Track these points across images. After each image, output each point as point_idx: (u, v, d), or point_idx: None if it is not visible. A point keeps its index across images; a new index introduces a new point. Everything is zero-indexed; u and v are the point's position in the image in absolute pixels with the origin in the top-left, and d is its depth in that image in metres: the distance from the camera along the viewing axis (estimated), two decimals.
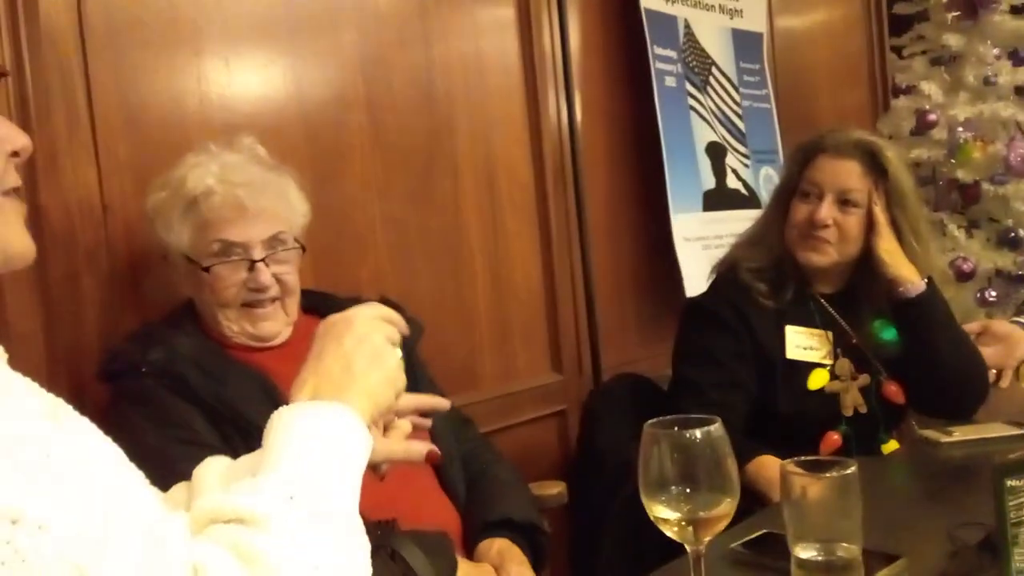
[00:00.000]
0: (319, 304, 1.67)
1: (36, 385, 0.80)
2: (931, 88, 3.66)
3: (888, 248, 1.83)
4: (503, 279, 2.43)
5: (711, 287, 1.99)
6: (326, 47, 2.06)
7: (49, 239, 1.58)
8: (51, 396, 0.79)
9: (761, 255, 1.93)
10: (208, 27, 1.83)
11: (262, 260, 1.49)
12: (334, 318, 0.98)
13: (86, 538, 0.61)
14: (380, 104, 2.15)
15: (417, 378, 1.64)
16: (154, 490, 0.91)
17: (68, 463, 0.66)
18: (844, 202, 1.85)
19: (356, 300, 1.71)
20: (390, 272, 2.14)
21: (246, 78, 1.90)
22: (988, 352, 1.99)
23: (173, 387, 1.39)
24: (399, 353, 0.97)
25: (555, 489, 1.91)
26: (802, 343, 1.86)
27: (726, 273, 1.96)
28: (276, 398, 1.42)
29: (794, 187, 1.92)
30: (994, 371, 2.04)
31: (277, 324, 1.54)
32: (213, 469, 0.94)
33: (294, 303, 1.57)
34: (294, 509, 0.74)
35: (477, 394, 2.29)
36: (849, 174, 1.85)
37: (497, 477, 1.62)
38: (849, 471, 0.97)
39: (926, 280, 1.82)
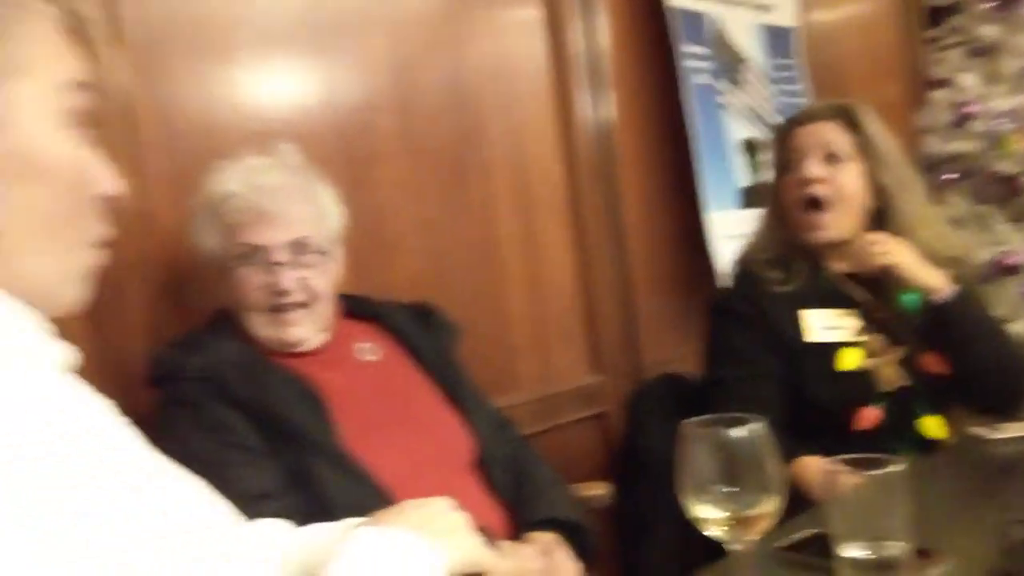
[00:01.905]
0: (356, 307, 1.67)
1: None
2: (968, 80, 3.61)
3: (904, 261, 1.78)
4: (538, 280, 2.42)
5: (730, 284, 2.00)
6: (356, 52, 2.06)
7: None
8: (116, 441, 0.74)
9: (770, 244, 1.93)
10: (238, 34, 1.85)
11: (284, 263, 1.49)
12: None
13: None
14: (410, 108, 2.16)
15: (456, 381, 1.63)
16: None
17: (100, 537, 0.61)
18: (830, 157, 1.85)
19: (392, 303, 1.73)
20: (424, 276, 2.15)
21: (277, 85, 1.91)
22: None
23: (215, 392, 1.40)
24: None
25: (598, 490, 1.90)
26: (825, 324, 1.83)
27: (741, 268, 1.97)
28: (318, 403, 1.42)
29: (782, 166, 1.93)
30: None
31: (305, 330, 1.53)
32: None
33: (324, 309, 1.55)
34: None
35: (516, 397, 2.28)
36: (827, 131, 1.86)
37: (539, 479, 1.62)
38: (895, 468, 0.95)
39: (954, 281, 1.78)
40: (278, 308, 1.50)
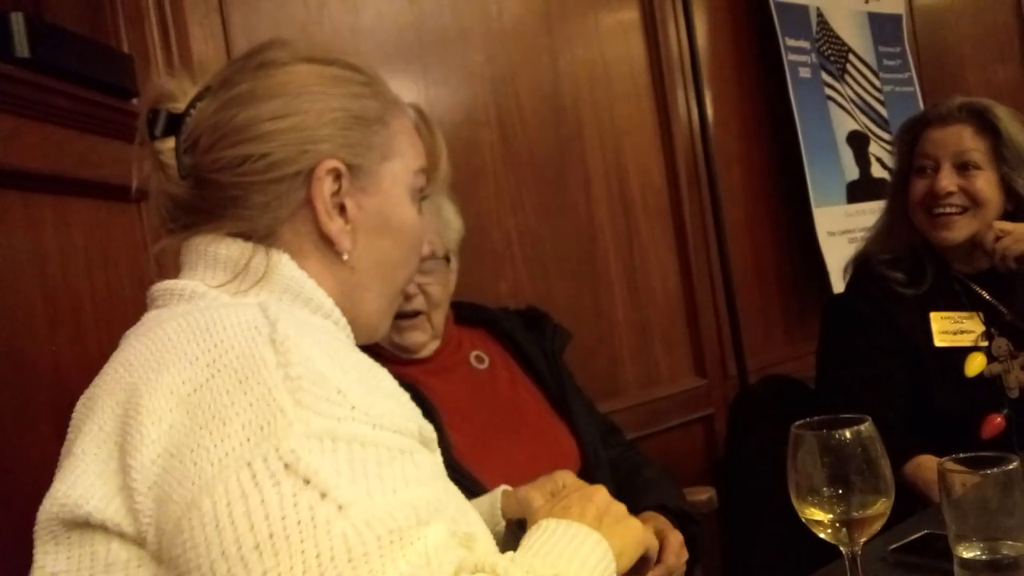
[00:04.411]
0: (467, 314, 1.70)
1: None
2: None
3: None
4: (640, 285, 2.42)
5: (848, 284, 1.94)
6: (456, 68, 2.12)
7: None
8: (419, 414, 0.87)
9: (893, 245, 1.86)
10: (341, 53, 1.91)
11: None
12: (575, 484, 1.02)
13: (374, 533, 0.67)
14: (510, 121, 2.20)
15: (564, 386, 1.65)
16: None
17: (402, 475, 0.72)
18: (963, 166, 1.77)
19: (503, 310, 1.76)
20: (528, 284, 2.18)
21: None
22: None
23: None
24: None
25: (705, 495, 1.89)
26: (950, 328, 1.77)
27: (860, 268, 1.90)
28: (430, 413, 1.44)
29: (909, 167, 1.86)
30: None
31: (422, 336, 1.56)
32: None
33: (440, 316, 1.58)
34: None
35: (620, 402, 2.29)
36: (961, 137, 1.78)
37: (646, 475, 1.62)
38: (1011, 467, 0.92)
39: None
40: (399, 314, 1.52)
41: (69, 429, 0.80)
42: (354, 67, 0.96)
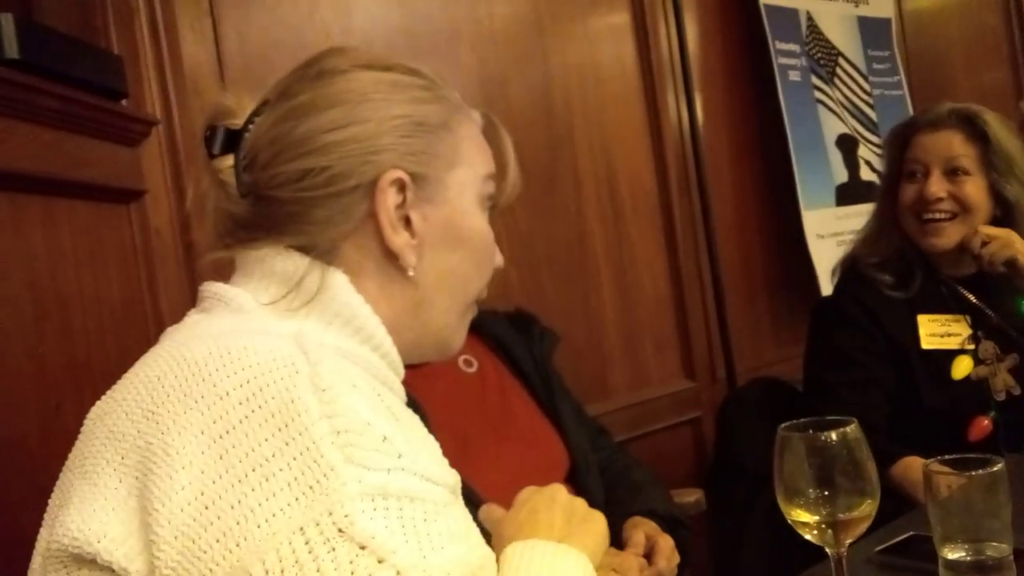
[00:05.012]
0: None
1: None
2: None
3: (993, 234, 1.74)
4: (630, 287, 2.43)
5: (836, 286, 1.95)
6: (446, 69, 2.11)
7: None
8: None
9: (882, 249, 1.86)
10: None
11: None
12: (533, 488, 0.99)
13: None
14: (500, 122, 2.19)
15: (553, 389, 1.65)
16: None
17: (447, 530, 0.72)
18: (953, 172, 1.78)
19: (491, 312, 1.76)
20: (517, 285, 2.18)
21: None
22: None
23: None
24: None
25: (693, 496, 1.89)
26: (937, 331, 1.78)
27: (848, 270, 1.91)
28: (423, 419, 1.43)
29: (898, 172, 1.86)
30: None
31: None
32: None
33: None
34: None
35: (609, 404, 2.29)
36: (950, 143, 1.79)
37: (635, 479, 1.62)
38: (996, 468, 0.93)
39: None
40: None
41: (81, 439, 0.77)
42: (415, 71, 0.92)
